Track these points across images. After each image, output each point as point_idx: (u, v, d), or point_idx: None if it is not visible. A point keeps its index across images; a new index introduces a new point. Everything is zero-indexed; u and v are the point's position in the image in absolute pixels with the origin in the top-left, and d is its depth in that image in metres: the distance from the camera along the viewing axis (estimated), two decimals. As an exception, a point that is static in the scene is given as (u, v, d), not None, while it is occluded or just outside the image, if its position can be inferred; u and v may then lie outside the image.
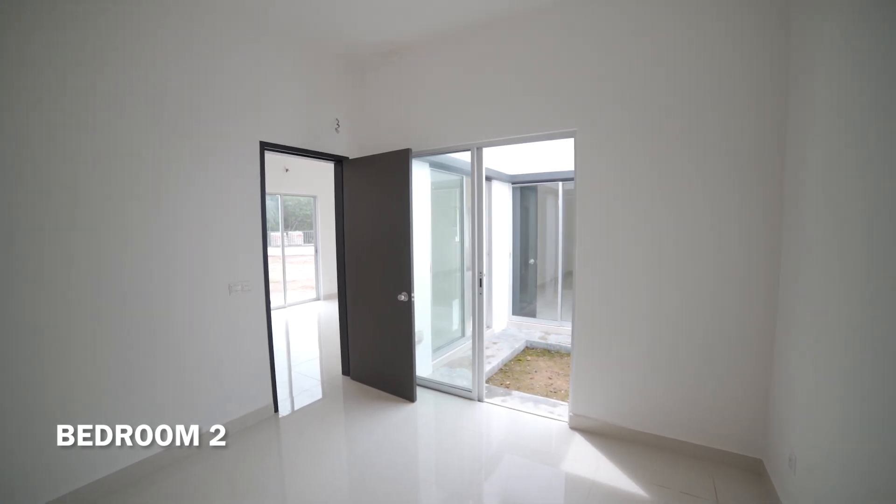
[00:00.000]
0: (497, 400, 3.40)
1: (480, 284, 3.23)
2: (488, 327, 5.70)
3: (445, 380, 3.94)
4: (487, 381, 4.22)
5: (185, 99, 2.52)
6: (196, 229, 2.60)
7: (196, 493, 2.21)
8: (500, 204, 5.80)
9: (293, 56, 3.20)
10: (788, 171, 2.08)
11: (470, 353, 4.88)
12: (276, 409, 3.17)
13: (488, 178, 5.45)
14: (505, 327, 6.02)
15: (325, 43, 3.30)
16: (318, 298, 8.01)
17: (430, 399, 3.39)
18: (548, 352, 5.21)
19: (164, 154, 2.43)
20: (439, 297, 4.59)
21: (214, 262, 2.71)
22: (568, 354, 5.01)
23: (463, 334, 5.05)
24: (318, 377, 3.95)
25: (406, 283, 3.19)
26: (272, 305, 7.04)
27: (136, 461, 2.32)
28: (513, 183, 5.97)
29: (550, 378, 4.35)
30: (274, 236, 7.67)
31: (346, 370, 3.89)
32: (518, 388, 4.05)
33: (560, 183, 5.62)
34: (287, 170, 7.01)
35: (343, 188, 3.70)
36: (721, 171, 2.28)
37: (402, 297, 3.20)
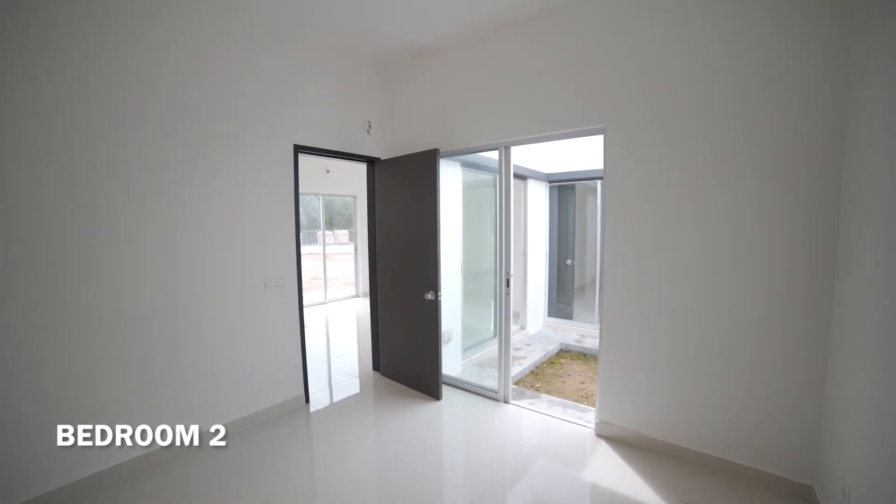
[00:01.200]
0: (524, 402, 3.34)
1: (507, 285, 3.18)
2: (522, 328, 5.60)
3: (474, 379, 3.93)
4: (517, 384, 4.16)
5: (219, 103, 2.69)
6: (229, 229, 2.78)
7: (219, 478, 2.37)
8: (536, 203, 5.68)
9: (325, 60, 3.33)
10: (848, 174, 1.86)
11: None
12: (308, 401, 3.32)
13: (523, 177, 5.35)
14: (540, 329, 5.89)
15: (356, 47, 3.40)
16: (357, 295, 8.27)
17: (456, 398, 3.40)
18: (583, 355, 5.03)
19: (198, 158, 2.62)
20: (472, 298, 4.58)
21: (249, 260, 2.88)
22: (604, 359, 4.81)
23: (495, 335, 4.99)
24: (350, 372, 4.09)
25: (433, 282, 3.21)
26: (313, 301, 7.34)
27: (160, 448, 2.51)
28: (549, 182, 5.82)
29: (583, 382, 4.20)
30: (317, 235, 8.02)
31: (376, 366, 3.99)
32: (548, 392, 3.95)
33: (599, 181, 5.39)
34: (328, 171, 7.30)
35: (374, 188, 3.80)
36: (767, 172, 2.08)
37: (429, 296, 3.23)
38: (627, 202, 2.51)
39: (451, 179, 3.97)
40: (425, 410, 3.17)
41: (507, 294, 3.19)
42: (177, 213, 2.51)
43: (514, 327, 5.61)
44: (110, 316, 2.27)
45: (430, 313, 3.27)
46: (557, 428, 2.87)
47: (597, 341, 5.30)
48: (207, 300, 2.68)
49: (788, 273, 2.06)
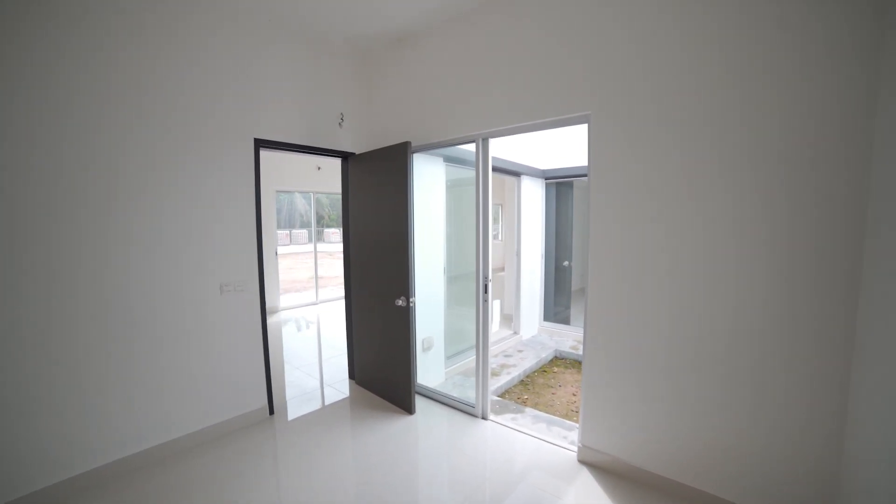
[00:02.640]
0: (505, 418, 3.06)
1: (486, 291, 2.90)
2: (515, 333, 5.32)
3: (456, 391, 3.67)
4: (504, 395, 3.89)
5: (170, 93, 2.47)
6: (181, 232, 2.56)
7: (173, 495, 2.15)
8: (532, 201, 5.38)
9: (293, 46, 3.08)
10: (877, 176, 1.54)
11: (491, 360, 4.56)
12: (272, 412, 3.10)
13: (517, 173, 5.05)
14: (535, 333, 5.59)
15: (327, 32, 3.15)
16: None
17: (431, 412, 3.14)
18: (577, 363, 4.72)
19: (148, 151, 2.40)
20: (457, 301, 4.31)
21: (204, 263, 2.66)
22: (601, 369, 4.51)
23: (484, 340, 4.72)
24: (327, 380, 3.86)
25: (404, 287, 2.95)
26: (305, 302, 7.13)
27: (112, 461, 2.32)
28: (546, 178, 5.51)
29: (574, 394, 3.90)
30: (301, 234, 7.80)
31: (351, 374, 3.75)
32: (535, 405, 3.67)
33: (599, 177, 5.07)
34: (319, 168, 7.09)
35: (348, 185, 3.55)
36: (772, 168, 1.77)
37: (401, 302, 2.97)
38: (614, 198, 2.22)
39: (433, 176, 3.71)
40: (394, 426, 2.91)
41: (486, 301, 2.91)
42: (131, 218, 2.34)
43: (506, 332, 5.33)
44: (60, 317, 2.07)
45: (403, 321, 3.01)
46: (536, 452, 2.59)
47: None
48: (161, 306, 2.47)
49: (805, 282, 1.75)
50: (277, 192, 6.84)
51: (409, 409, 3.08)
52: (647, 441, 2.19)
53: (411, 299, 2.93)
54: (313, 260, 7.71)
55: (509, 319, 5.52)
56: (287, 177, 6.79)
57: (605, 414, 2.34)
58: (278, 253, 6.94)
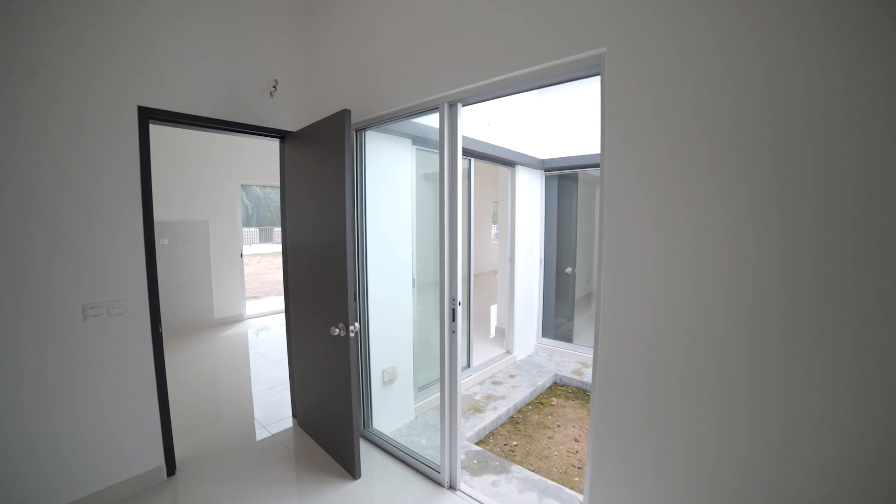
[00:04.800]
0: (482, 484, 2.29)
1: (454, 318, 2.10)
2: (508, 353, 4.51)
3: (426, 435, 2.89)
4: (485, 440, 3.10)
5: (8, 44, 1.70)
6: (19, 232, 1.79)
7: None
8: (528, 197, 4.56)
9: (198, -13, 2.30)
10: None
11: (476, 388, 3.77)
12: (174, 471, 2.34)
13: (511, 163, 4.24)
14: (531, 352, 4.79)
15: (247, -32, 2.37)
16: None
17: (383, 474, 2.36)
18: (581, 393, 3.91)
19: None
20: (432, 315, 3.51)
21: (51, 276, 1.89)
22: (609, 401, 3.69)
23: (468, 364, 3.93)
24: (267, 417, 3.08)
25: (342, 311, 2.17)
26: (273, 310, 6.34)
27: None
28: (545, 170, 4.68)
29: (578, 439, 3.10)
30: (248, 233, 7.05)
31: (295, 411, 2.99)
32: (527, 455, 2.87)
33: (609, 169, 4.24)
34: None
35: (284, 173, 2.77)
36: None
37: (337, 332, 2.19)
38: (637, 179, 1.41)
39: (398, 162, 2.91)
40: (331, 499, 2.14)
41: (453, 332, 2.11)
42: None
43: (497, 351, 4.53)
44: None
45: (341, 355, 2.22)
46: (518, 554, 1.79)
47: None
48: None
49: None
50: (243, 185, 6.08)
51: (352, 471, 2.30)
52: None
53: (351, 327, 2.14)
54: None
55: (502, 335, 4.72)
56: (255, 169, 6.03)
57: (625, 481, 1.53)
58: (244, 254, 6.19)
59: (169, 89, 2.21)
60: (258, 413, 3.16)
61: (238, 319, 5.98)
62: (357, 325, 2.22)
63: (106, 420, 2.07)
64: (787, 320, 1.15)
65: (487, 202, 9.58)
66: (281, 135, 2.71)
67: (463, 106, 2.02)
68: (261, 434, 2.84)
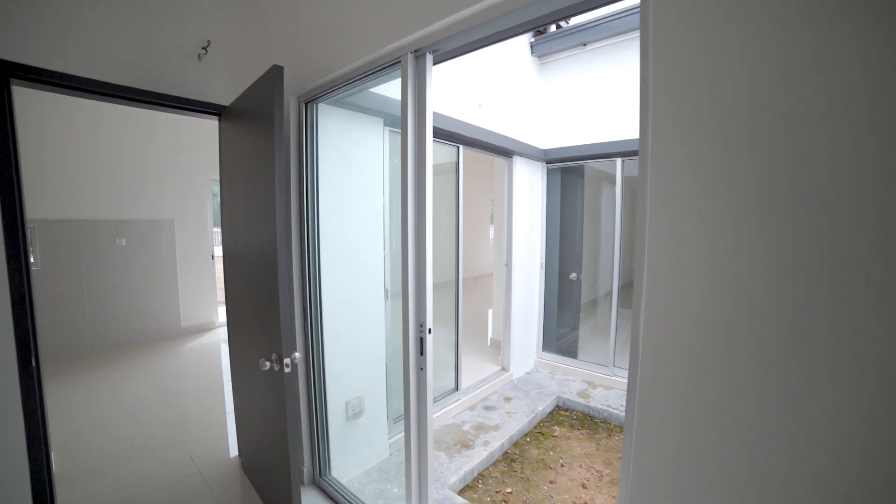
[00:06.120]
0: (461, 567, 1.73)
1: (422, 351, 1.55)
2: (503, 370, 3.97)
3: (397, 484, 2.34)
4: (474, 483, 2.55)
5: None
6: None
7: None
8: (528, 192, 4.01)
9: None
10: None
11: (465, 416, 3.23)
12: (63, 544, 1.80)
13: (508, 153, 3.69)
14: (531, 369, 4.24)
15: None
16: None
17: (334, 549, 1.82)
18: (588, 419, 3.36)
19: None
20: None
21: None
22: (623, 428, 3.14)
23: (457, 387, 3.38)
24: (201, 459, 2.53)
25: (274, 338, 1.62)
26: (222, 320, 5.72)
27: None
28: (547, 161, 4.13)
29: (586, 485, 2.55)
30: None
31: (239, 449, 2.45)
32: (522, 511, 2.33)
33: (619, 160, 3.69)
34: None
35: (221, 161, 2.23)
36: None
37: (269, 365, 1.64)
38: (690, 164, 0.85)
39: (366, 146, 2.37)
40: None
41: (421, 369, 1.55)
42: None
43: (491, 368, 3.98)
44: None
45: (276, 393, 1.68)
46: None
47: (612, 395, 3.61)
48: None
49: None
50: (214, 180, 5.54)
51: (292, 544, 1.75)
52: None
53: (287, 360, 1.59)
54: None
55: (497, 348, 4.17)
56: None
57: None
58: (216, 255, 5.65)
59: (49, 44, 1.67)
60: (199, 449, 2.61)
61: (209, 327, 5.45)
62: (298, 354, 1.67)
63: (-49, 486, 1.53)
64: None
65: (484, 200, 9.03)
66: (217, 111, 2.17)
67: (435, 60, 1.47)
68: (193, 479, 2.29)
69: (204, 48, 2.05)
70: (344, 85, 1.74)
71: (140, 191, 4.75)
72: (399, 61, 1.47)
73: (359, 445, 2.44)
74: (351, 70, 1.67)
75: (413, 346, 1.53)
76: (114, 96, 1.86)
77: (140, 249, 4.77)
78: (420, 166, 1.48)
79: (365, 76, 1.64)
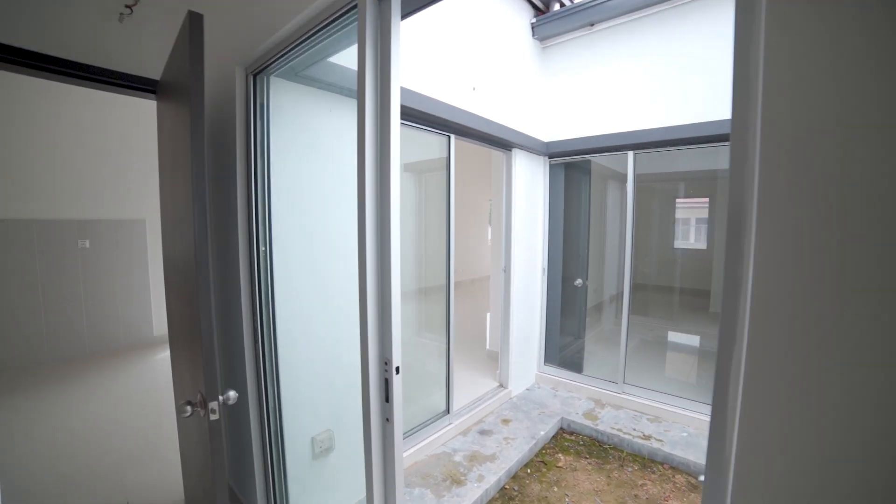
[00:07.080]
0: None
1: (387, 397, 1.16)
2: (501, 386, 3.58)
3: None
4: (463, 536, 2.16)
5: None
6: None
7: None
8: (529, 190, 3.63)
9: None
10: None
11: (457, 443, 2.86)
12: None
13: (506, 145, 3.31)
14: (531, 384, 3.86)
15: None
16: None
17: None
18: (596, 445, 2.97)
19: None
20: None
21: None
22: (637, 458, 2.77)
23: (448, 410, 2.99)
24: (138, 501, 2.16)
25: (198, 375, 1.24)
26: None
27: None
28: (549, 155, 3.74)
29: (596, 534, 2.16)
30: None
31: (185, 498, 2.06)
32: (521, 570, 1.94)
33: (630, 153, 3.30)
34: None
35: (159, 147, 1.84)
36: None
37: (189, 411, 1.25)
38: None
39: (340, 134, 1.99)
40: None
41: (387, 420, 1.17)
42: None
43: (489, 384, 3.60)
44: None
45: (203, 443, 1.30)
46: None
47: (622, 416, 3.16)
48: None
49: None
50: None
51: None
52: None
53: (213, 405, 1.20)
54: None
55: (495, 361, 3.78)
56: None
57: None
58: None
59: None
60: (140, 490, 2.23)
61: (185, 335, 5.06)
62: (234, 393, 1.29)
63: None
64: None
65: (483, 199, 8.64)
66: (150, 86, 1.79)
67: (404, 9, 1.08)
68: (128, 534, 1.91)
69: (128, 6, 1.66)
70: (294, 45, 1.35)
71: (106, 188, 4.36)
72: (355, 4, 1.08)
73: (328, 487, 2.06)
74: (300, 25, 1.28)
75: (375, 390, 1.15)
76: (10, 62, 1.48)
77: (106, 252, 4.38)
78: (384, 148, 1.11)
79: (316, 30, 1.25)
